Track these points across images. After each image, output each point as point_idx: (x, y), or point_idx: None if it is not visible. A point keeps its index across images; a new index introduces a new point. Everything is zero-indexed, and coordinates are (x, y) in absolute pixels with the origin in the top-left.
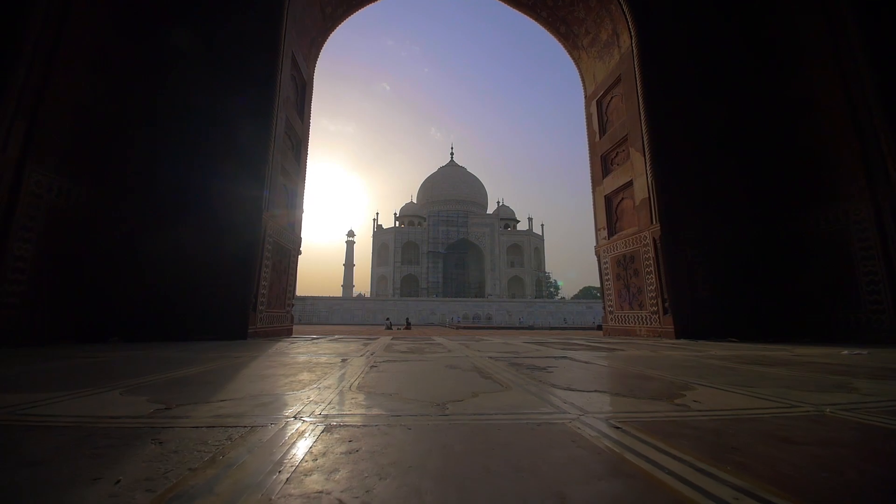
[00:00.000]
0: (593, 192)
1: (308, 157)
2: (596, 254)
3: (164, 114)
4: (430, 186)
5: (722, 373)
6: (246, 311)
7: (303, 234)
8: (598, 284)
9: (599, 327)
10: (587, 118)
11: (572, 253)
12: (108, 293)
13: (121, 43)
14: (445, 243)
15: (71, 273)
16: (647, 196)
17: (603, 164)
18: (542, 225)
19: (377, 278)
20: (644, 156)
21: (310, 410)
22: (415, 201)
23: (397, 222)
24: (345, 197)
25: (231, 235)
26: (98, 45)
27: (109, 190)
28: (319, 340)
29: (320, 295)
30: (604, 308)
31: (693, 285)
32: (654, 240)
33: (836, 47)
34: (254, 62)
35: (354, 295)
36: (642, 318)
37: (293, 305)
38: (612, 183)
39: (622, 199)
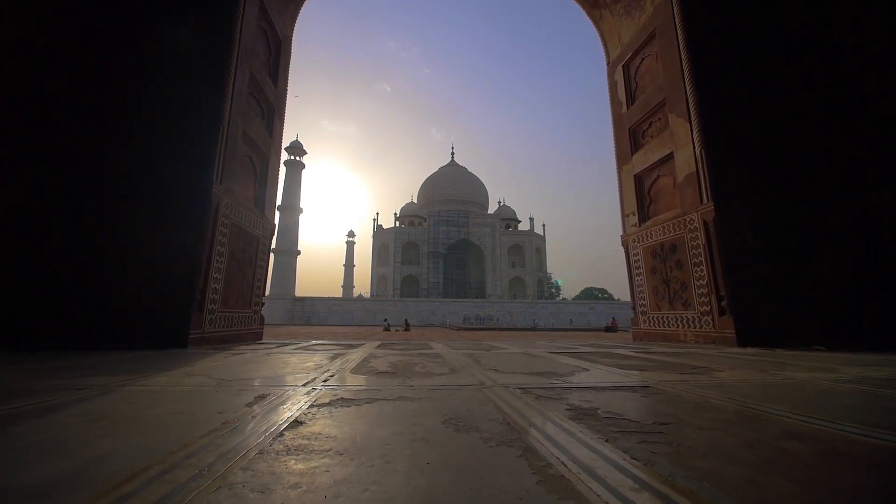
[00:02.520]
0: (619, 172)
1: (284, 130)
2: (623, 244)
3: (80, 44)
4: (431, 186)
5: None
6: (186, 312)
7: (303, 235)
8: (599, 285)
9: (607, 329)
10: (610, 88)
11: (573, 253)
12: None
13: None
14: (446, 243)
15: None
16: (695, 170)
17: (632, 138)
18: (544, 225)
19: (377, 279)
20: (689, 121)
21: None
22: (415, 201)
23: (397, 222)
24: (345, 197)
25: (170, 214)
26: None
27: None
28: (283, 348)
29: (320, 295)
30: (634, 308)
31: (757, 279)
32: (705, 223)
33: None
34: None
35: (354, 295)
36: (688, 319)
37: (263, 304)
38: (643, 159)
39: (657, 177)
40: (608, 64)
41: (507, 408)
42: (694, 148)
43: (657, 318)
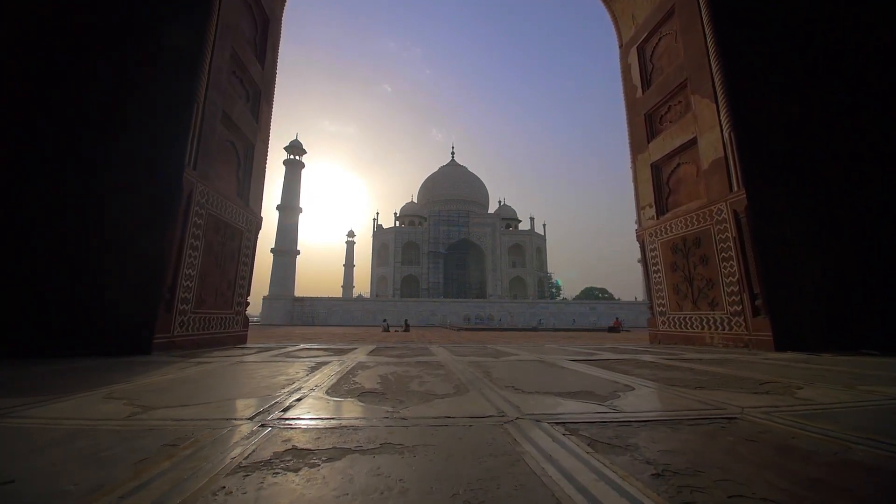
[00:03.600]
0: (633, 161)
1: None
2: (638, 239)
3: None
4: (431, 186)
5: None
6: (150, 312)
7: (303, 235)
8: (600, 285)
9: (611, 329)
10: (623, 72)
11: (573, 253)
12: None
13: None
14: (446, 243)
15: None
16: (723, 155)
17: (648, 124)
18: (544, 224)
19: (377, 279)
20: (715, 101)
21: None
22: (415, 201)
23: (397, 222)
24: (346, 197)
25: (134, 202)
26: None
27: None
28: (262, 354)
29: (320, 296)
30: (651, 308)
31: (796, 276)
32: (736, 213)
33: None
34: None
35: (354, 296)
36: (715, 321)
37: (248, 304)
38: (662, 146)
39: (678, 165)
40: (620, 47)
41: (554, 472)
42: (721, 131)
43: (678, 318)
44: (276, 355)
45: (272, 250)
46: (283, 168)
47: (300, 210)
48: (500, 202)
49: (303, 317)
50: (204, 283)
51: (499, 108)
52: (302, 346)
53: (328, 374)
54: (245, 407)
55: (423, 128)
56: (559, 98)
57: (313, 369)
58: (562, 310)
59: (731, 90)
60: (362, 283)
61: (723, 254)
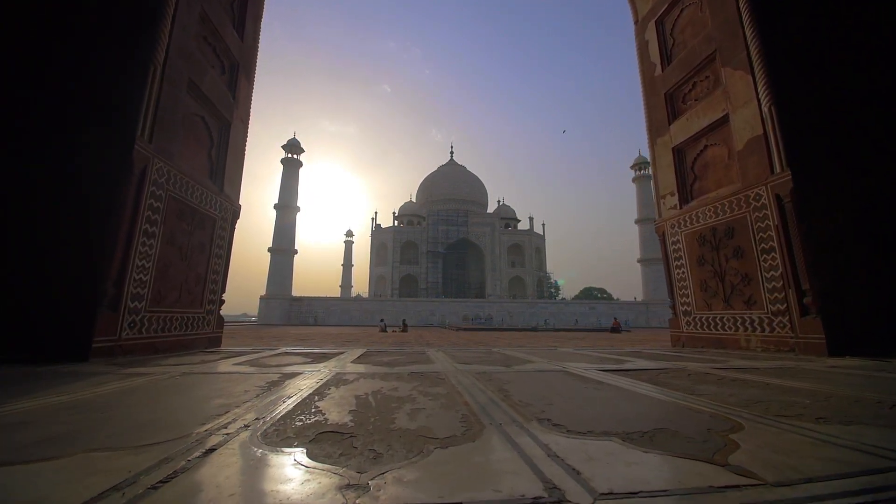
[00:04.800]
0: (651, 147)
1: (254, 93)
2: (658, 231)
3: None
4: (430, 185)
5: None
6: (87, 311)
7: (301, 235)
8: (599, 285)
9: (613, 329)
10: (639, 49)
11: (572, 253)
12: None
13: None
14: (445, 243)
15: None
16: (761, 132)
17: (669, 104)
18: (543, 224)
19: (376, 278)
20: (751, 73)
21: None
22: (414, 200)
23: (396, 221)
24: (344, 197)
25: (79, 182)
26: None
27: None
28: (224, 362)
29: (318, 295)
30: (673, 307)
31: (852, 270)
32: (778, 198)
33: None
34: None
35: (353, 295)
36: (753, 321)
37: (222, 302)
38: (686, 127)
39: (705, 147)
40: (636, 23)
41: None
42: (759, 105)
43: (706, 319)
44: (241, 363)
45: (269, 249)
46: (281, 167)
47: (298, 209)
48: (499, 202)
49: (301, 317)
50: (164, 277)
51: (498, 108)
52: (282, 349)
53: (289, 393)
54: (102, 472)
55: (423, 128)
56: (559, 98)
57: (272, 386)
58: (561, 310)
59: (770, 59)
60: (361, 283)
61: (762, 245)
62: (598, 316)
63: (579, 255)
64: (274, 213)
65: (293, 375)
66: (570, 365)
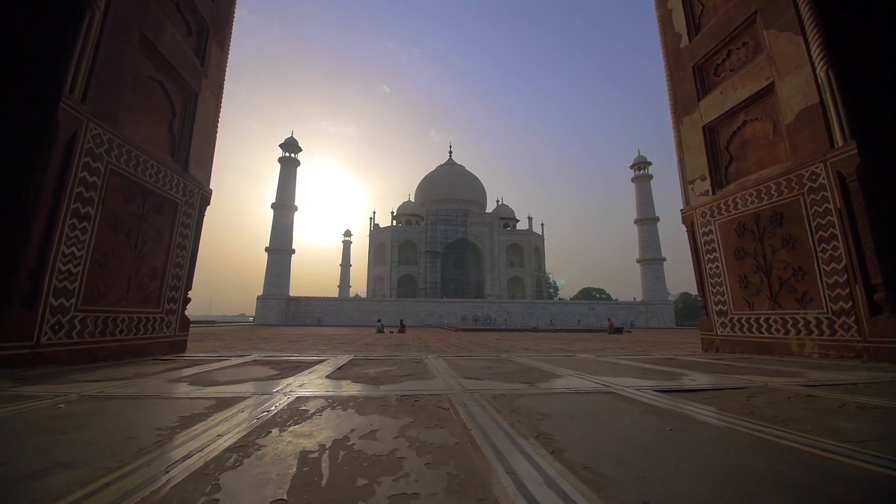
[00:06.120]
0: (676, 126)
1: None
2: (686, 222)
3: None
4: (429, 185)
5: None
6: None
7: (299, 234)
8: (598, 286)
9: (617, 330)
10: (660, 21)
11: (571, 253)
12: None
13: None
14: (444, 243)
15: None
16: (817, 100)
17: (698, 77)
18: (542, 224)
19: (374, 278)
20: (802, 33)
21: None
22: (412, 200)
23: (394, 221)
24: (343, 197)
25: None
26: None
27: None
28: (165, 376)
29: (315, 295)
30: (704, 306)
31: None
32: (841, 176)
33: None
34: None
35: (351, 295)
36: (808, 323)
37: (188, 300)
38: (720, 102)
39: (744, 123)
40: None
41: None
42: (814, 69)
43: (746, 320)
44: (184, 378)
45: (266, 249)
46: (279, 165)
47: (296, 208)
48: (498, 202)
49: (298, 317)
50: (104, 269)
51: (497, 108)
52: (254, 357)
53: (197, 446)
54: None
55: (422, 128)
56: (558, 98)
57: (183, 427)
58: (561, 310)
59: (823, 16)
60: (359, 283)
61: (820, 232)
62: (597, 316)
63: (578, 255)
64: (271, 212)
65: (231, 403)
66: (612, 382)
